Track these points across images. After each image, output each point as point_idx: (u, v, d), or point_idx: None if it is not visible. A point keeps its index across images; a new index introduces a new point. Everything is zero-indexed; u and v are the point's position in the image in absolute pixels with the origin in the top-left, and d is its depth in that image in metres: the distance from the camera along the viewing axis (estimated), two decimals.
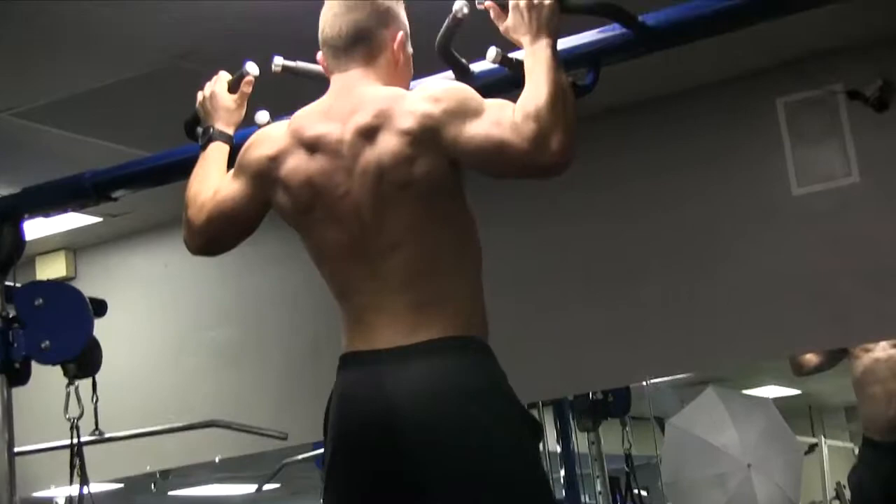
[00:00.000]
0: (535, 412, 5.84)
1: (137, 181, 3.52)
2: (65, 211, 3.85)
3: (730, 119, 5.07)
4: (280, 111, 3.08)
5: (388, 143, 2.63)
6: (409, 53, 2.86)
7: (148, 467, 5.96)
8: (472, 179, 2.70)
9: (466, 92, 2.66)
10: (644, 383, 5.82)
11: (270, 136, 2.81)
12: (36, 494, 5.14)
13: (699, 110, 5.11)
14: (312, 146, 2.72)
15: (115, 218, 5.74)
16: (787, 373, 5.98)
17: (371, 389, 2.65)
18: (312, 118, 2.76)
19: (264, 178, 2.80)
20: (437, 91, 2.66)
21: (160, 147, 3.45)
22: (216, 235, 2.94)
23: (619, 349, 5.20)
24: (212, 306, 5.92)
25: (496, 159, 2.60)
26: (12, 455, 3.33)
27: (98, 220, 5.78)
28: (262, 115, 3.06)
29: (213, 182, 2.95)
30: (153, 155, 3.49)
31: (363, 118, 2.67)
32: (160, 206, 5.20)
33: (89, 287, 3.51)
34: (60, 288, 3.57)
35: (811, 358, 5.61)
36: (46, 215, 3.72)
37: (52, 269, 6.01)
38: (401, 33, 2.82)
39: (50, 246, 6.05)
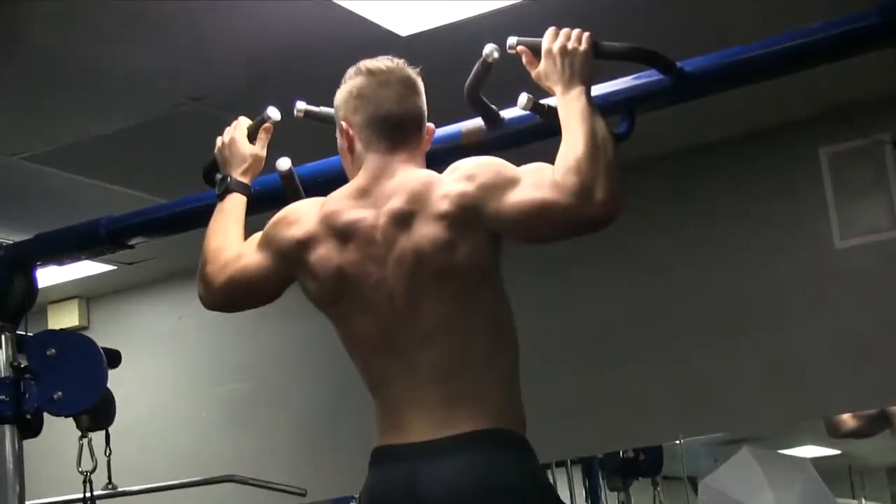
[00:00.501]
0: (563, 470, 5.82)
1: (155, 229, 3.51)
2: (79, 259, 3.84)
3: (772, 170, 5.07)
4: (302, 158, 3.09)
5: (425, 230, 2.61)
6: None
7: None
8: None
9: (499, 163, 2.63)
10: (677, 441, 5.80)
11: (301, 217, 2.78)
12: None
13: (739, 161, 5.11)
14: (345, 234, 2.70)
15: (130, 266, 5.76)
16: (825, 432, 5.96)
17: (403, 486, 2.64)
18: (346, 203, 2.73)
19: (291, 260, 2.79)
20: (469, 168, 2.63)
21: (176, 193, 3.45)
22: (234, 299, 2.94)
23: (651, 407, 5.20)
24: (228, 360, 5.93)
25: (541, 221, 2.57)
26: None
27: (112, 268, 5.80)
28: (284, 162, 3.04)
29: (233, 239, 2.95)
30: (171, 202, 3.48)
31: (397, 203, 2.65)
32: (176, 256, 5.19)
33: (103, 337, 3.49)
34: (74, 337, 3.55)
35: (847, 420, 5.60)
36: (60, 263, 3.73)
37: (64, 318, 6.02)
38: (432, 126, 2.84)
39: (63, 294, 6.07)
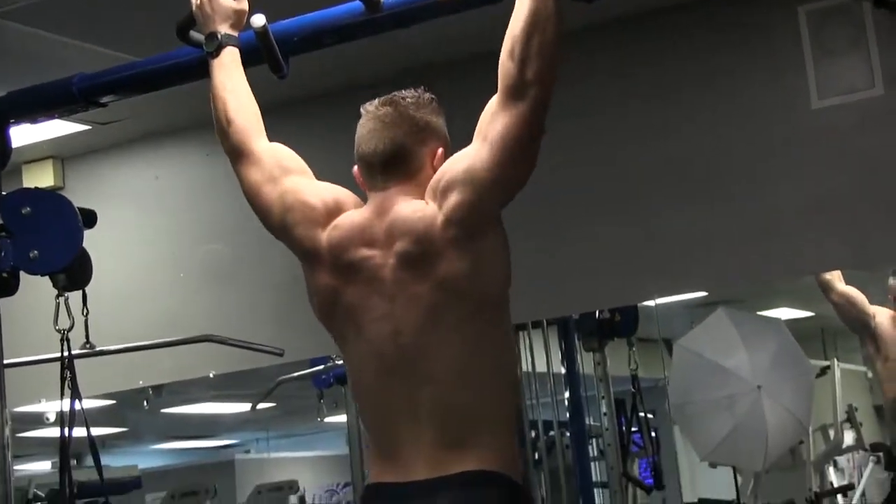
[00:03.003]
0: (539, 331, 5.87)
1: (128, 87, 3.50)
2: (52, 117, 3.82)
3: (748, 29, 5.04)
4: (278, 14, 3.06)
5: (446, 266, 2.61)
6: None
7: (140, 382, 6.02)
8: None
9: (457, 160, 2.64)
10: (653, 303, 5.85)
11: (314, 217, 2.80)
12: (24, 409, 5.16)
13: (716, 19, 5.07)
14: (350, 269, 2.71)
15: (105, 126, 5.70)
16: (800, 295, 6.02)
17: None
18: (352, 238, 2.72)
19: (292, 247, 2.89)
20: (438, 183, 2.64)
21: (150, 52, 3.41)
22: (240, 172, 3.01)
23: (627, 268, 5.24)
24: (208, 220, 5.92)
25: (512, 147, 2.57)
26: (1, 367, 3.36)
27: (87, 127, 5.75)
28: (258, 19, 3.03)
29: (249, 104, 2.97)
30: (144, 59, 3.45)
31: (405, 246, 2.65)
32: (151, 115, 5.17)
33: (78, 197, 3.49)
34: (49, 197, 3.55)
35: (836, 286, 5.63)
36: (33, 121, 3.71)
37: (39, 178, 6.00)
38: (440, 150, 2.77)
39: (37, 154, 6.03)
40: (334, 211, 2.78)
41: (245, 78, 2.99)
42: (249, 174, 2.95)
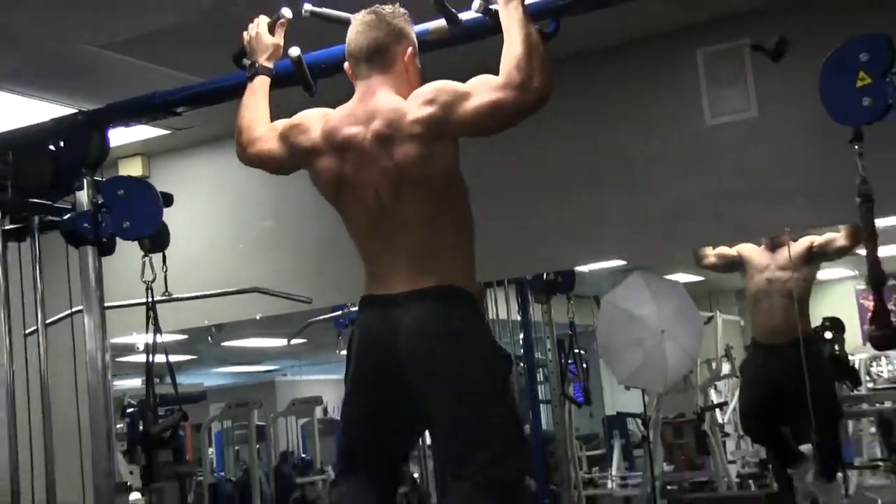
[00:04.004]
0: (501, 288, 5.85)
1: (196, 100, 3.50)
2: (140, 122, 3.85)
3: (662, 65, 5.01)
4: (308, 47, 3.07)
5: (403, 150, 2.62)
6: (417, 66, 2.81)
7: (206, 322, 6.00)
8: None
9: (450, 84, 2.64)
10: (586, 268, 5.85)
11: (310, 128, 2.80)
12: (119, 340, 5.14)
13: (638, 57, 5.04)
14: (342, 149, 2.71)
15: (180, 131, 5.71)
16: (693, 264, 6.01)
17: (381, 321, 2.68)
18: (342, 121, 2.73)
19: (300, 160, 2.84)
20: (429, 94, 2.63)
21: (213, 74, 3.39)
22: (259, 166, 3.00)
23: (567, 240, 5.19)
24: (258, 201, 5.92)
25: (496, 116, 2.59)
26: (103, 309, 3.35)
27: (167, 132, 5.73)
28: (294, 50, 3.04)
29: (262, 114, 2.97)
30: (207, 80, 3.45)
31: (379, 126, 2.66)
32: (213, 123, 5.14)
33: (160, 184, 3.51)
34: (138, 182, 3.57)
35: (710, 255, 5.65)
36: (126, 125, 3.72)
37: (131, 169, 5.99)
38: (410, 49, 2.78)
39: (129, 152, 6.00)
40: (318, 117, 2.80)
41: (266, 98, 3.01)
42: (259, 148, 2.94)
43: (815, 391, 5.22)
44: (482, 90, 2.57)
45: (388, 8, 2.79)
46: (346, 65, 2.82)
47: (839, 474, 5.51)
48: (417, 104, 2.62)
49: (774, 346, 5.54)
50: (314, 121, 2.79)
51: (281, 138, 2.87)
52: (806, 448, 5.55)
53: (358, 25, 2.77)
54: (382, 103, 2.68)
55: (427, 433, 3.17)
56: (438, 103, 2.59)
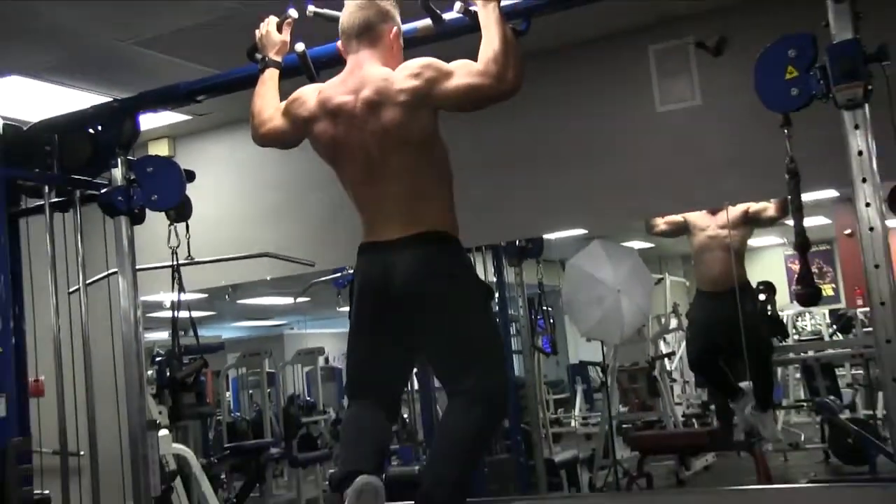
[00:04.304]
0: (479, 253, 5.87)
1: (214, 89, 3.47)
2: (166, 109, 3.85)
3: (619, 59, 5.01)
4: (311, 43, 3.05)
5: (390, 115, 2.64)
6: (401, 44, 2.83)
7: (223, 282, 5.99)
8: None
9: (436, 62, 2.65)
10: (553, 236, 5.86)
11: (306, 100, 2.81)
12: (149, 298, 5.15)
13: (598, 53, 5.04)
14: (335, 114, 2.72)
15: (201, 116, 5.69)
16: (646, 233, 6.03)
17: (378, 262, 2.70)
18: (334, 91, 2.75)
19: (301, 129, 2.84)
20: (416, 68, 2.65)
21: (229, 67, 3.38)
22: (270, 144, 2.99)
23: (535, 211, 5.20)
24: (268, 177, 5.91)
25: (472, 97, 2.61)
26: (135, 271, 3.35)
27: (189, 117, 5.72)
28: (299, 46, 3.03)
29: (271, 101, 2.97)
30: (223, 72, 3.44)
31: (368, 94, 2.67)
32: (232, 108, 5.07)
33: (183, 162, 3.48)
34: (164, 161, 3.54)
35: (660, 224, 5.66)
36: (154, 111, 3.72)
37: (158, 149, 5.98)
38: (395, 28, 2.80)
39: (157, 135, 6.00)
40: (313, 90, 2.82)
41: (275, 86, 3.01)
42: (268, 128, 2.94)
43: (750, 332, 5.31)
44: (463, 73, 2.59)
45: None
46: (338, 42, 2.85)
47: (771, 410, 5.57)
48: (405, 76, 2.65)
49: (715, 293, 5.60)
50: (310, 93, 2.82)
51: (284, 114, 2.88)
52: (744, 384, 5.62)
53: (350, 7, 2.80)
54: (371, 74, 2.70)
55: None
56: (423, 78, 2.61)
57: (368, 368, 2.77)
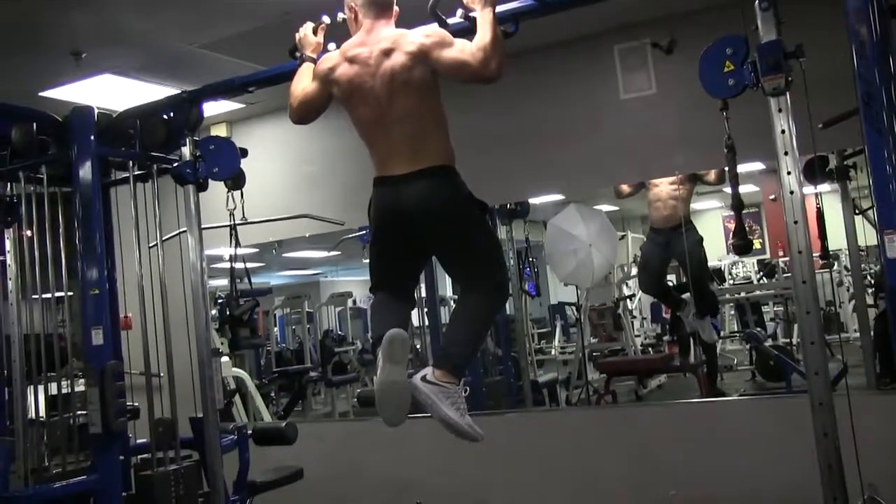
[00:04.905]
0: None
1: (264, 82, 3.46)
2: (224, 98, 3.83)
3: (590, 57, 4.98)
4: (342, 42, 3.04)
5: (398, 59, 2.65)
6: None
7: (271, 238, 5.99)
8: (446, 90, 2.71)
9: (445, 33, 2.66)
10: (536, 200, 5.88)
11: (331, 57, 2.82)
12: (211, 252, 5.19)
13: (573, 52, 5.01)
14: (352, 60, 2.72)
15: (253, 104, 5.67)
16: (612, 198, 6.04)
17: (390, 194, 2.70)
18: (353, 45, 2.76)
19: (326, 80, 2.81)
20: (428, 31, 2.68)
21: (275, 63, 3.38)
22: (304, 113, 2.94)
23: (523, 180, 5.20)
24: (305, 153, 5.89)
25: (461, 71, 2.61)
26: (200, 229, 3.36)
27: (242, 105, 5.70)
28: (331, 45, 3.02)
29: (304, 83, 2.94)
30: (270, 67, 3.42)
31: (384, 44, 2.68)
32: (277, 98, 5.01)
33: (239, 142, 3.47)
34: (223, 141, 3.53)
35: (626, 188, 5.67)
36: (215, 100, 3.71)
37: (218, 131, 5.96)
38: (397, 9, 2.83)
39: (217, 119, 5.98)
40: (335, 52, 2.82)
41: (309, 77, 2.95)
42: (300, 100, 2.92)
43: (691, 255, 5.50)
44: (459, 48, 2.61)
45: None
46: (352, 4, 2.82)
47: (708, 317, 5.69)
48: (419, 34, 2.68)
49: (663, 228, 5.69)
50: (333, 54, 2.83)
51: (314, 78, 2.88)
52: (686, 296, 5.72)
53: None
54: (388, 32, 2.73)
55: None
56: (431, 39, 2.64)
57: (387, 269, 2.81)
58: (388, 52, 2.67)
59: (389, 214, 2.70)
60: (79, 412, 3.42)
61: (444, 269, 2.92)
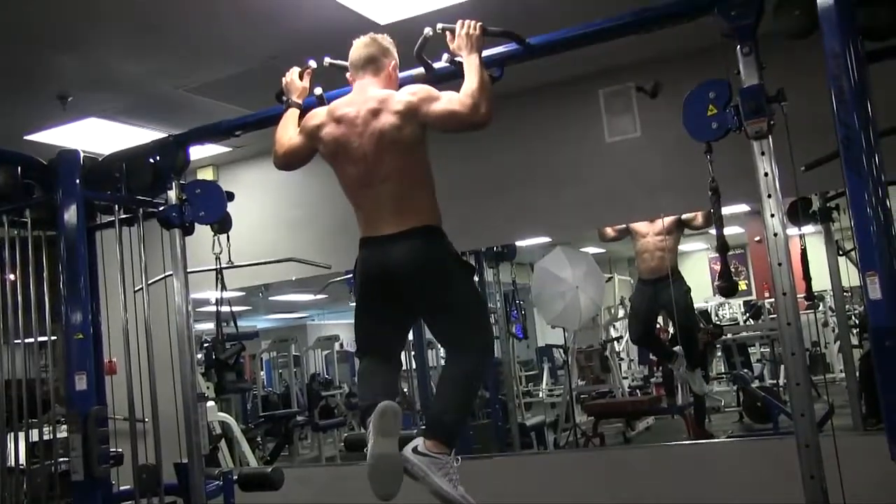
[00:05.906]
0: (465, 256, 5.88)
1: (250, 126, 3.45)
2: (211, 142, 3.82)
3: (575, 100, 5.01)
4: (328, 87, 3.06)
5: (387, 119, 2.65)
6: (398, 75, 2.85)
7: (257, 281, 5.99)
8: (434, 138, 2.71)
9: (430, 89, 2.68)
10: (523, 243, 5.89)
11: (318, 114, 2.81)
12: (197, 296, 5.16)
13: (559, 95, 5.04)
14: (339, 120, 2.72)
15: (239, 148, 5.69)
16: (598, 241, 6.06)
17: (377, 255, 2.68)
18: (342, 105, 2.75)
19: (313, 137, 2.81)
20: (414, 89, 2.68)
21: (261, 108, 3.38)
22: (288, 162, 2.93)
23: (510, 223, 5.21)
24: (292, 197, 5.89)
25: (450, 121, 2.62)
26: (186, 273, 3.33)
27: (229, 149, 5.72)
28: (318, 90, 3.03)
29: (290, 133, 2.94)
30: (255, 112, 3.42)
31: (371, 104, 2.68)
32: (261, 143, 5.10)
33: (225, 185, 3.46)
34: (209, 184, 3.51)
35: (609, 231, 5.70)
36: (202, 144, 3.69)
37: (205, 175, 5.97)
38: (394, 62, 2.83)
39: (204, 163, 5.98)
40: (324, 109, 2.82)
41: (295, 122, 2.97)
42: (285, 150, 2.91)
43: (679, 308, 5.51)
44: (447, 100, 2.61)
45: (379, 35, 2.86)
46: (348, 74, 2.85)
47: (699, 369, 5.71)
48: (405, 92, 2.68)
49: (651, 279, 5.69)
50: (321, 111, 2.83)
51: (300, 132, 2.87)
52: (677, 349, 5.71)
53: (358, 45, 2.83)
54: (376, 92, 2.73)
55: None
56: (418, 96, 2.64)
57: (373, 333, 2.78)
58: (375, 113, 2.67)
59: (376, 275, 2.68)
60: (60, 459, 3.35)
61: (430, 330, 2.90)
